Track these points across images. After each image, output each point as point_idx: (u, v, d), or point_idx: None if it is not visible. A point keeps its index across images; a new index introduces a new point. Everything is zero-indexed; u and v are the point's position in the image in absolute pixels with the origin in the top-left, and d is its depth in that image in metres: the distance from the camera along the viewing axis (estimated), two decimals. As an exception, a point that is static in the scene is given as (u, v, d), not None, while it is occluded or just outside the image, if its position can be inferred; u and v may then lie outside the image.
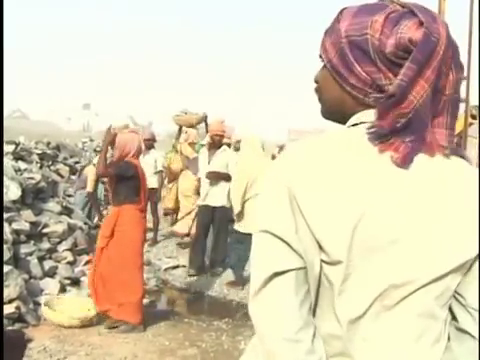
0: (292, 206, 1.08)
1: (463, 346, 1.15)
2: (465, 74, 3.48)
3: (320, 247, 1.08)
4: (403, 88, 1.08)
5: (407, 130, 1.09)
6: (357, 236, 1.05)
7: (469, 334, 1.14)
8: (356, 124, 1.15)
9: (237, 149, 8.33)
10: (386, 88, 1.10)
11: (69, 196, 9.48)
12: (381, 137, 1.09)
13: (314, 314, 1.14)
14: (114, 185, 5.12)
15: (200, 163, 7.40)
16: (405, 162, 1.08)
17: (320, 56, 1.21)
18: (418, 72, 1.07)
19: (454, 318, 1.17)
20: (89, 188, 8.48)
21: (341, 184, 1.06)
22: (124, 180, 5.00)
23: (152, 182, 8.73)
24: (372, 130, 1.10)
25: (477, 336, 1.13)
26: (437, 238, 1.08)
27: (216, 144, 7.13)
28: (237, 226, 6.61)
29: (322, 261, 1.09)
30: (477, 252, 1.10)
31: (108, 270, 4.93)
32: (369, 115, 1.13)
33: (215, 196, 7.03)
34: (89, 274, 5.25)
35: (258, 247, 1.13)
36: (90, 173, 8.52)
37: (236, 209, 6.52)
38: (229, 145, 7.98)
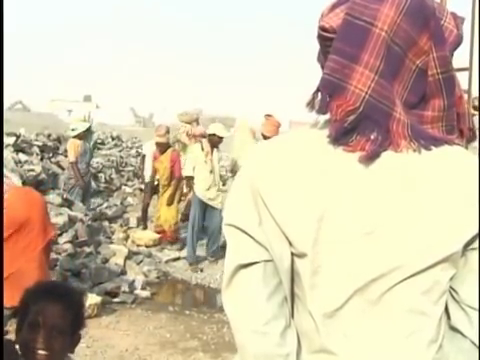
0: (256, 200, 1.08)
1: (454, 345, 1.06)
2: (467, 65, 3.45)
3: (288, 240, 1.06)
4: (327, 81, 1.03)
5: (368, 122, 1.03)
6: (323, 229, 1.03)
7: (460, 333, 1.05)
8: None
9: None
10: None
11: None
12: (339, 141, 1.05)
13: (296, 309, 1.12)
14: None
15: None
16: (369, 160, 1.02)
17: None
18: (349, 60, 1.02)
19: (448, 315, 1.08)
20: (71, 158, 8.39)
21: (305, 178, 1.05)
22: None
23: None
24: (328, 139, 1.06)
25: (469, 335, 1.04)
26: (416, 231, 1.00)
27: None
28: None
29: (293, 254, 1.07)
30: (463, 245, 1.01)
31: None
32: None
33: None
34: None
35: (227, 240, 1.15)
36: (70, 144, 8.50)
37: None
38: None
